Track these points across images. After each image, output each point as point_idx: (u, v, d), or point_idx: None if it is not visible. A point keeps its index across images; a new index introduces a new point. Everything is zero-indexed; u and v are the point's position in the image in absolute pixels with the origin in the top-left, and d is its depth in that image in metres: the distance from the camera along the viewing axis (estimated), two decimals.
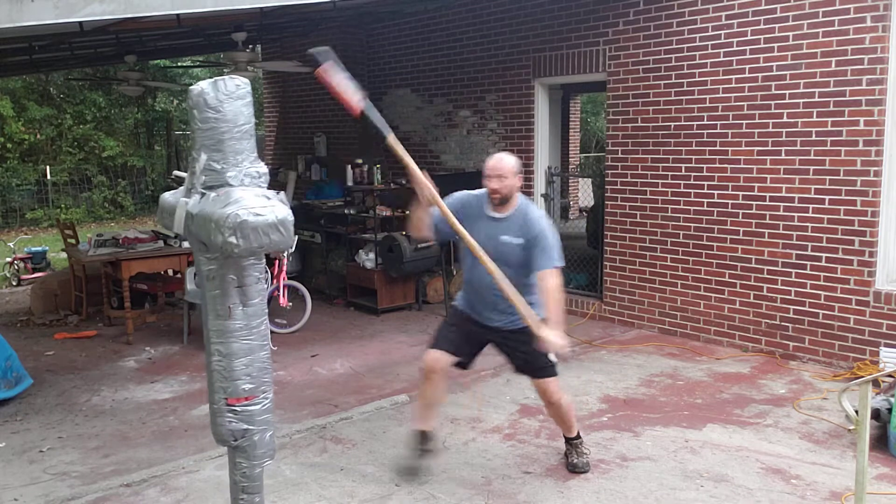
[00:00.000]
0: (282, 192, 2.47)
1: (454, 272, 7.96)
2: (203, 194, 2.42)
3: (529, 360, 3.75)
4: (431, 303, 7.90)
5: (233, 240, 2.25)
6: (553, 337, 3.40)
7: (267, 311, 2.63)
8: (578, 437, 4.04)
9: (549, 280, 3.57)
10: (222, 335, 2.52)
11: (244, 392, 2.55)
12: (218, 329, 2.53)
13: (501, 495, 3.71)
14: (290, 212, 2.35)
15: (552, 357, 3.67)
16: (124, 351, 6.47)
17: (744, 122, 5.94)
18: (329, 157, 10.11)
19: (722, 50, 6.01)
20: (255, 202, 2.30)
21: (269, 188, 2.53)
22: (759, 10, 5.77)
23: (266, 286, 2.64)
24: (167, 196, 2.67)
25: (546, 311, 3.53)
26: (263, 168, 2.50)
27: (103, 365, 6.08)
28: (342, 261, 8.34)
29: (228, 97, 2.41)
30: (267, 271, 7.27)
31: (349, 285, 8.08)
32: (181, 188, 2.62)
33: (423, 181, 3.44)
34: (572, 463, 3.98)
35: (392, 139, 3.34)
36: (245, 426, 2.58)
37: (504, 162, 3.67)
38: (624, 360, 5.90)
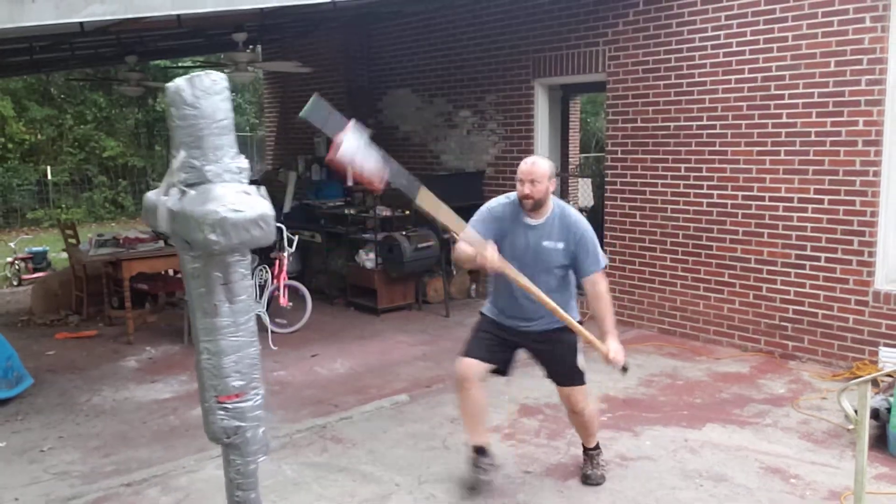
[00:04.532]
0: (262, 188, 2.46)
1: (454, 272, 7.96)
2: (183, 192, 2.41)
3: (558, 366, 3.68)
4: (431, 303, 7.90)
5: (213, 237, 2.24)
6: (616, 349, 3.49)
7: (254, 307, 2.61)
8: (597, 448, 3.90)
9: (600, 284, 3.60)
10: (210, 333, 2.51)
11: (234, 389, 2.55)
12: (205, 327, 2.52)
13: (501, 495, 3.72)
14: (270, 206, 2.34)
15: (581, 363, 3.65)
16: (125, 351, 6.47)
17: (743, 122, 5.95)
18: None
19: (721, 50, 6.02)
20: (235, 198, 2.29)
21: (268, 188, 2.52)
22: (759, 11, 5.78)
23: (254, 282, 2.64)
24: (150, 195, 2.65)
25: (600, 320, 3.59)
26: (244, 163, 2.48)
27: (104, 365, 6.08)
28: (342, 261, 8.34)
29: (205, 93, 2.37)
30: (267, 271, 7.22)
31: (349, 285, 8.08)
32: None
33: (487, 257, 3.31)
34: (586, 474, 3.84)
35: (422, 196, 3.15)
36: (237, 423, 2.58)
37: (536, 166, 3.52)
38: None
